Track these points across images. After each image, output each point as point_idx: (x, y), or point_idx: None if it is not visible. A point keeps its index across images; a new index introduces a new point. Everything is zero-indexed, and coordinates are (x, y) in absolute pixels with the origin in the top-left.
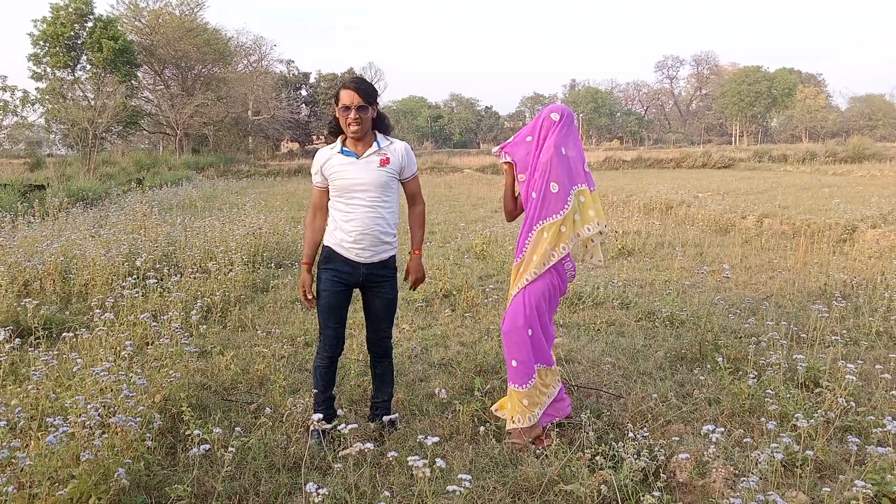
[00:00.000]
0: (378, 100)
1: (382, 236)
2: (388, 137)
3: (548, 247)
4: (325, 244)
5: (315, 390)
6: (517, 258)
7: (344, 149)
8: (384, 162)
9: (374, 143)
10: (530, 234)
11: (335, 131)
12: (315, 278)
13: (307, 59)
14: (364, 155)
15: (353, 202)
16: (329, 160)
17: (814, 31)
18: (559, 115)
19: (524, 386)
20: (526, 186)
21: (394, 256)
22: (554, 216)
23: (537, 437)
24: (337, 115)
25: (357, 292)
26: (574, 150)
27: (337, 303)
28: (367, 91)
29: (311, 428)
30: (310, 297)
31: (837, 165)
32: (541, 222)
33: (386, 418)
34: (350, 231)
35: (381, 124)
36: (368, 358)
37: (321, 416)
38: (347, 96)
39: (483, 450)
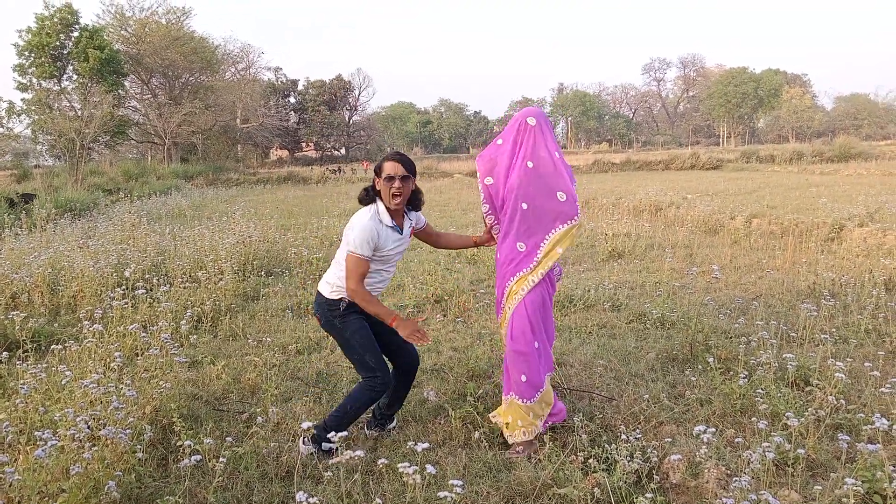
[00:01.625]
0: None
1: None
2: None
3: (559, 250)
4: (341, 297)
5: (331, 429)
6: (527, 267)
7: (394, 224)
8: (412, 232)
9: (406, 217)
10: (546, 239)
11: (366, 199)
12: (340, 325)
13: (295, 67)
14: (405, 230)
15: (387, 266)
16: (383, 236)
17: (799, 31)
18: (535, 119)
19: (531, 400)
20: (514, 195)
21: None
22: (569, 221)
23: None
24: (377, 186)
25: None
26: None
27: (372, 336)
28: (408, 163)
29: (306, 436)
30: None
31: (824, 165)
32: (557, 228)
33: (390, 425)
34: (379, 288)
35: (415, 198)
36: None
37: (310, 423)
38: (391, 167)
39: (476, 455)
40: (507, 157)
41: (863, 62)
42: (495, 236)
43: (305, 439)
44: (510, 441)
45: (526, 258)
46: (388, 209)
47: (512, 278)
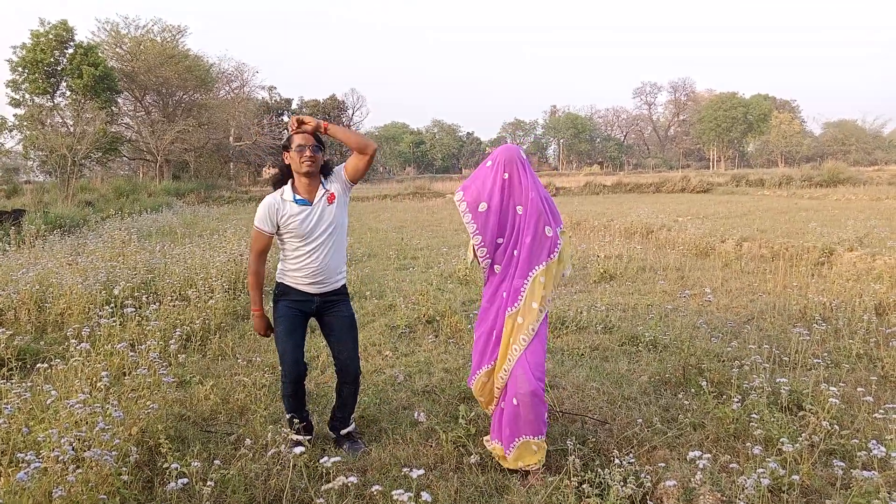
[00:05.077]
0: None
1: (336, 268)
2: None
3: (544, 293)
4: (279, 281)
5: (288, 415)
6: (512, 307)
7: (297, 197)
8: (331, 199)
9: (321, 186)
10: (526, 281)
11: (279, 182)
12: (272, 308)
13: (289, 86)
14: (315, 200)
15: (309, 243)
16: (284, 210)
17: (788, 57)
18: (514, 156)
19: (545, 429)
20: (513, 229)
21: (344, 284)
22: (549, 258)
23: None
24: (287, 161)
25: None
26: (542, 189)
27: (293, 326)
28: (317, 136)
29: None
30: (267, 331)
31: (813, 189)
32: (537, 267)
33: (344, 431)
34: (310, 272)
35: (325, 166)
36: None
37: (301, 449)
38: (301, 138)
39: (468, 479)
40: (522, 184)
41: (850, 88)
42: (484, 271)
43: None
44: (523, 468)
45: (514, 295)
46: (294, 184)
47: (537, 267)
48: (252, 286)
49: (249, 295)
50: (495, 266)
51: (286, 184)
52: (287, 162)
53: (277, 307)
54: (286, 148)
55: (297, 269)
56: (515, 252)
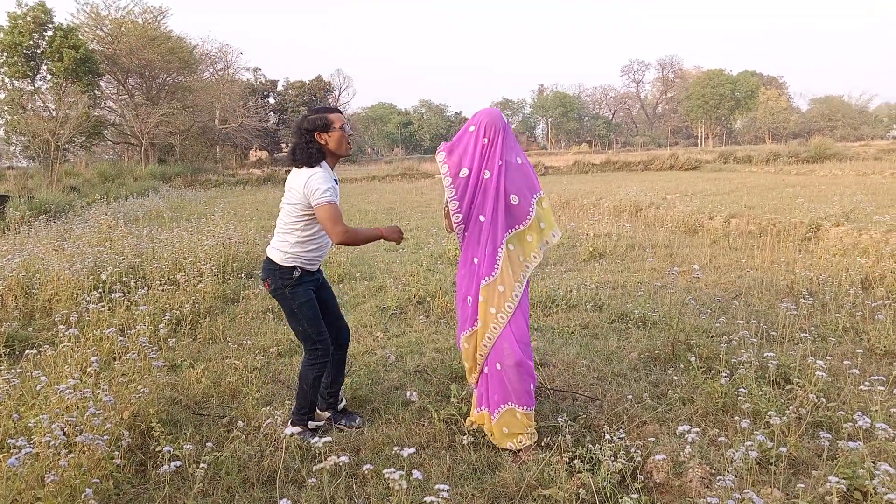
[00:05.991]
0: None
1: None
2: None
3: (520, 259)
4: (295, 265)
5: (303, 409)
6: (489, 276)
7: (334, 175)
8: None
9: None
10: (500, 249)
11: (314, 158)
12: (290, 295)
13: (274, 67)
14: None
15: None
16: (337, 188)
17: (775, 33)
18: (495, 120)
19: (534, 405)
20: (480, 196)
21: None
22: (518, 226)
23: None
24: (323, 140)
25: None
26: (522, 156)
27: (318, 308)
28: None
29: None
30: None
31: (800, 165)
32: (507, 234)
33: (340, 406)
34: (326, 249)
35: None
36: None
37: (298, 429)
38: (341, 118)
39: (461, 457)
40: (495, 151)
41: (837, 64)
42: (459, 236)
43: (289, 424)
44: (514, 448)
45: (489, 263)
46: (330, 162)
47: (508, 233)
48: (360, 233)
49: (367, 237)
50: (466, 232)
51: (321, 161)
52: (322, 142)
53: (300, 291)
54: (323, 129)
55: (318, 248)
56: (482, 217)
